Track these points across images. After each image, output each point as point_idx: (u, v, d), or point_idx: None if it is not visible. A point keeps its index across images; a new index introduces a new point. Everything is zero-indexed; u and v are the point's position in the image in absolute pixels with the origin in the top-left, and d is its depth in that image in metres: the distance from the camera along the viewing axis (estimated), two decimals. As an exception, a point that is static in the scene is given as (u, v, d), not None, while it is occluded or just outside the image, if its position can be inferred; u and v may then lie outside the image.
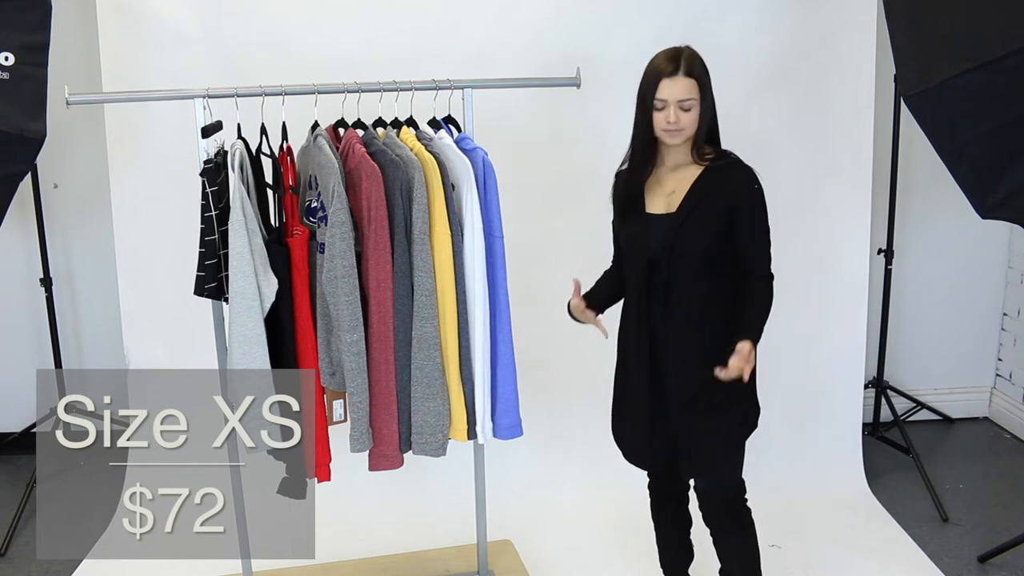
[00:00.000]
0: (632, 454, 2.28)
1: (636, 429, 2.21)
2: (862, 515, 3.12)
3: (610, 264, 2.31)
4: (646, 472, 2.36)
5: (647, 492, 2.40)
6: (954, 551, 2.90)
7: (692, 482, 2.27)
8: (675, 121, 2.01)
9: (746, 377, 1.98)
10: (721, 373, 1.98)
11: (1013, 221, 2.36)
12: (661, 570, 2.47)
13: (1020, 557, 2.82)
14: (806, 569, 2.80)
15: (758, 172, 2.09)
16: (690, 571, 2.47)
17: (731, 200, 2.05)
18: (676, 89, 2.00)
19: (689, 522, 2.40)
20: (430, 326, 2.20)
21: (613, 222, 2.24)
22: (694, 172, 2.09)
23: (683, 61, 2.01)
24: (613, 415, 2.30)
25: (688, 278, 2.07)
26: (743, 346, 1.97)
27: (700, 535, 2.40)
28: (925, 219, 3.66)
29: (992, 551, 2.83)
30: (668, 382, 2.14)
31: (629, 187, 2.14)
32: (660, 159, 2.13)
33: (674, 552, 2.44)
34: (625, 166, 2.17)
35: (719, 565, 2.32)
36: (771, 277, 2.09)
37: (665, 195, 2.11)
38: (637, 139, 2.11)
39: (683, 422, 2.14)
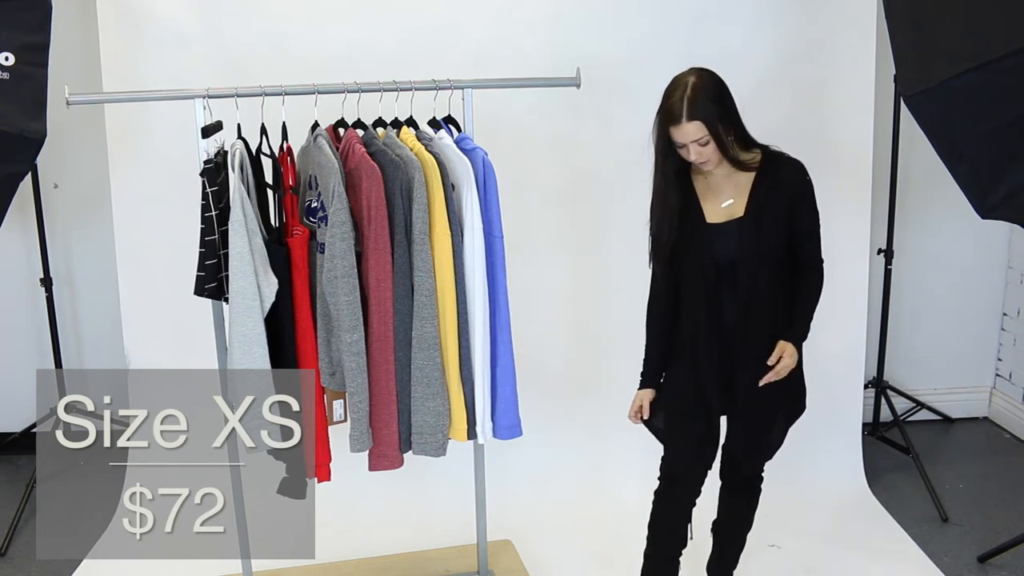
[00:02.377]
0: (683, 454, 2.31)
1: (697, 430, 2.27)
2: (862, 515, 3.12)
3: (649, 303, 2.31)
4: (671, 457, 2.35)
5: (655, 476, 2.39)
6: (954, 551, 2.90)
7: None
8: (697, 157, 2.09)
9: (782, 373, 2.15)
10: (771, 376, 2.14)
11: (1013, 221, 2.35)
12: (644, 558, 2.45)
13: (1020, 557, 2.82)
14: (806, 569, 2.80)
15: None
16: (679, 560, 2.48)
17: (789, 194, 2.14)
18: (684, 134, 2.07)
19: (684, 539, 2.41)
20: (430, 326, 2.20)
21: (656, 265, 2.25)
22: (748, 177, 2.16)
23: (685, 106, 2.03)
24: (669, 419, 2.31)
25: (763, 276, 2.15)
26: (787, 348, 2.14)
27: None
28: (925, 219, 3.66)
29: (992, 551, 2.83)
30: (739, 379, 2.21)
31: (682, 206, 2.16)
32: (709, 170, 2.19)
33: (671, 537, 2.41)
34: (655, 203, 2.21)
35: (714, 516, 2.47)
36: (822, 263, 2.21)
37: (722, 202, 2.17)
38: (668, 167, 2.15)
39: (753, 418, 2.25)
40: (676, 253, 2.21)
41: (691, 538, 2.40)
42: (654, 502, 2.39)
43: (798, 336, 2.18)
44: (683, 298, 2.25)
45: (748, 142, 2.16)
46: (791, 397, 2.28)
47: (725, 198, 2.17)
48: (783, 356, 2.14)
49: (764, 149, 2.18)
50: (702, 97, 2.04)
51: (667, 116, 2.08)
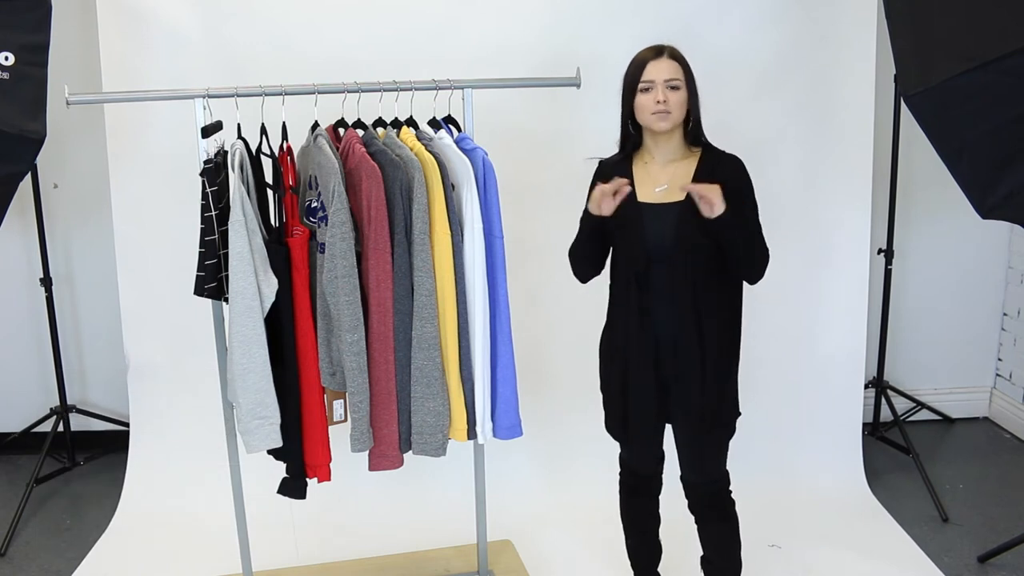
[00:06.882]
0: (633, 454, 2.32)
1: (639, 432, 2.24)
2: (862, 515, 3.12)
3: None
4: (620, 470, 2.39)
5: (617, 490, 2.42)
6: (954, 551, 2.90)
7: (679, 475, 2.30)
8: (664, 101, 2.04)
9: (713, 207, 1.98)
10: (692, 187, 2.00)
11: (1013, 221, 2.35)
12: (632, 571, 2.48)
13: (1020, 557, 2.82)
14: (806, 569, 2.80)
15: (749, 168, 2.15)
16: (659, 570, 2.48)
17: (731, 186, 2.07)
18: (661, 69, 2.06)
19: (658, 519, 2.41)
20: (430, 326, 2.20)
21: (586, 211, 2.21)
22: (688, 166, 2.12)
23: (666, 49, 2.09)
24: (609, 416, 2.30)
25: (697, 270, 2.08)
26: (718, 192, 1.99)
27: (667, 533, 2.43)
28: (925, 219, 3.66)
29: (992, 551, 2.83)
30: (672, 385, 2.17)
31: (618, 175, 2.13)
32: (650, 154, 2.15)
33: (645, 550, 2.44)
34: (613, 158, 2.21)
35: (701, 553, 2.37)
36: (767, 250, 2.15)
37: (656, 189, 2.12)
38: (625, 130, 2.17)
39: (688, 428, 2.19)
40: (609, 230, 2.16)
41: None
42: (622, 517, 2.42)
43: (735, 218, 2.01)
44: (613, 300, 2.22)
45: (699, 139, 2.14)
46: (732, 410, 2.22)
47: (660, 183, 2.13)
48: (713, 192, 1.97)
49: (705, 145, 2.15)
50: (681, 54, 2.10)
51: (645, 56, 2.07)
